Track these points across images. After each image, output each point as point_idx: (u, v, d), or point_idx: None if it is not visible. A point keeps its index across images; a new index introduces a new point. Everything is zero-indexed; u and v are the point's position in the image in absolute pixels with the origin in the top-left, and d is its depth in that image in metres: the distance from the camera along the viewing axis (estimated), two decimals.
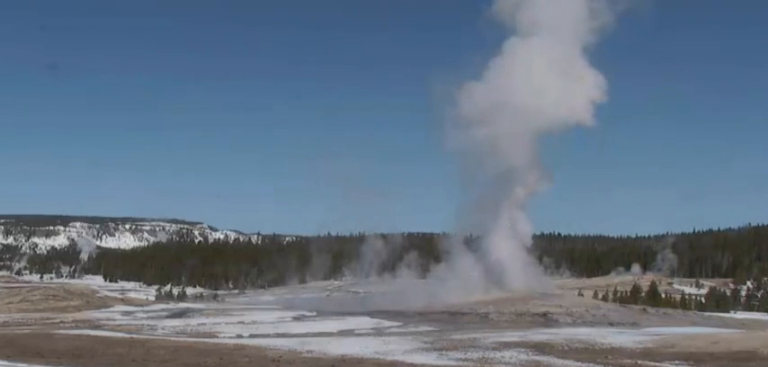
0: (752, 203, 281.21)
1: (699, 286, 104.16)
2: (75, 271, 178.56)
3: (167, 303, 78.07)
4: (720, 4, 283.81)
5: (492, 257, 65.48)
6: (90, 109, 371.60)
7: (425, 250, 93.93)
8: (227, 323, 45.95)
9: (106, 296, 76.69)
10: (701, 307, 78.89)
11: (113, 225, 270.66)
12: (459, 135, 69.61)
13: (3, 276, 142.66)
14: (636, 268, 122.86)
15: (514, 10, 68.82)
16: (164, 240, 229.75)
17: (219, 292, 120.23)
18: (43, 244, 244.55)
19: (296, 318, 48.94)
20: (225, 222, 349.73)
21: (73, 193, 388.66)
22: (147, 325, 45.73)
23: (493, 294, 59.75)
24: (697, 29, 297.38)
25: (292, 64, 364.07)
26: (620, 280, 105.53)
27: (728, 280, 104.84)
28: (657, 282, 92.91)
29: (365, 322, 45.98)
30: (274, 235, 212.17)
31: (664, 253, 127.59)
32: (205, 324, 45.60)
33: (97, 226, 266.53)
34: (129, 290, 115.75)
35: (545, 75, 67.05)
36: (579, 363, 26.86)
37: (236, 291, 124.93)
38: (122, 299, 73.85)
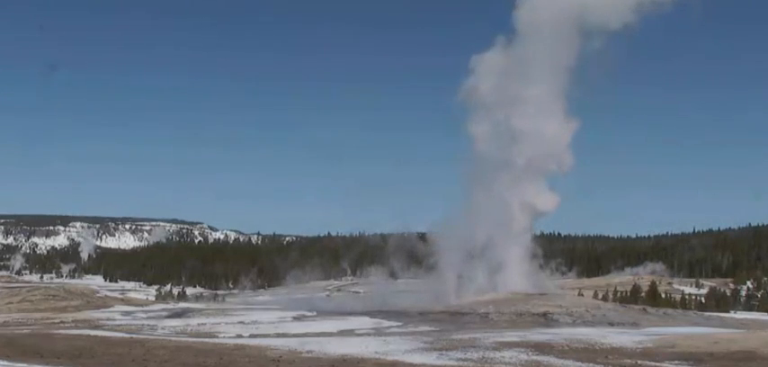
0: (752, 203, 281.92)
1: (699, 286, 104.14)
2: (75, 271, 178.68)
3: (167, 303, 78.03)
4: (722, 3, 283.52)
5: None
6: (90, 109, 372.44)
7: (425, 249, 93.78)
8: (227, 323, 45.88)
9: (106, 296, 76.72)
10: (701, 307, 78.86)
11: (113, 225, 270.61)
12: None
13: (3, 276, 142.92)
14: (656, 265, 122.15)
15: None
16: (164, 240, 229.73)
17: (219, 292, 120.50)
18: (43, 244, 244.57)
19: (296, 318, 48.85)
20: (225, 222, 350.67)
21: (73, 193, 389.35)
22: (147, 325, 45.67)
23: (493, 294, 59.74)
24: (696, 26, 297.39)
25: (292, 63, 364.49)
26: (620, 280, 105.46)
27: (728, 280, 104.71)
28: (657, 282, 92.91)
29: (365, 322, 45.89)
30: (274, 235, 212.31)
31: (687, 245, 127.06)
32: (205, 324, 45.54)
33: (97, 226, 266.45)
34: (129, 291, 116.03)
35: None
36: (579, 363, 26.85)
37: (236, 291, 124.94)
38: (122, 300, 73.81)
